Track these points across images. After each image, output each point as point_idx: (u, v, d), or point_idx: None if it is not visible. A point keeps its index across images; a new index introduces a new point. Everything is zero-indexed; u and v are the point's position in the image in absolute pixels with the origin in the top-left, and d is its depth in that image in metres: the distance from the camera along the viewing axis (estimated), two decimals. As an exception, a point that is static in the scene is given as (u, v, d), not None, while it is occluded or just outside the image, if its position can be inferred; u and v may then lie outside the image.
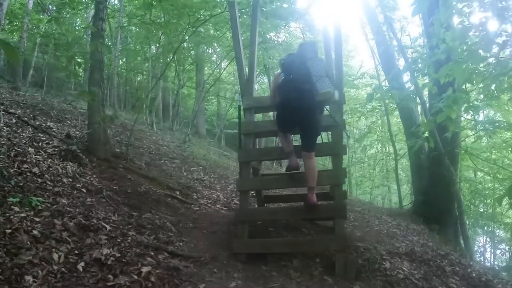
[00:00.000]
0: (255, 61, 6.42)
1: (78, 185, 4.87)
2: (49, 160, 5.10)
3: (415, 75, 6.93)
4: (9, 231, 3.27)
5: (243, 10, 9.46)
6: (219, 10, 10.10)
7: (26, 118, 6.66)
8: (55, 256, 3.30)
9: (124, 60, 17.33)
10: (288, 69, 4.80)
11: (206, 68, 19.12)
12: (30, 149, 5.14)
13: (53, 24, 6.60)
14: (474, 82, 4.74)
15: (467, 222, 11.45)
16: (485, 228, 15.81)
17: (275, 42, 14.95)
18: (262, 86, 19.44)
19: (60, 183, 4.66)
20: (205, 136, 18.02)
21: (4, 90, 8.94)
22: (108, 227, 4.18)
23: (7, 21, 8.13)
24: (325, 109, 4.95)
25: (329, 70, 4.86)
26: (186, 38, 11.78)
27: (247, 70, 6.03)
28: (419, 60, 6.20)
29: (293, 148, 4.97)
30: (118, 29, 13.57)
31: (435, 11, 4.81)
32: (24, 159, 4.74)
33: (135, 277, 3.45)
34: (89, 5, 12.10)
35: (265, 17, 10.23)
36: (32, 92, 9.68)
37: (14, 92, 9.37)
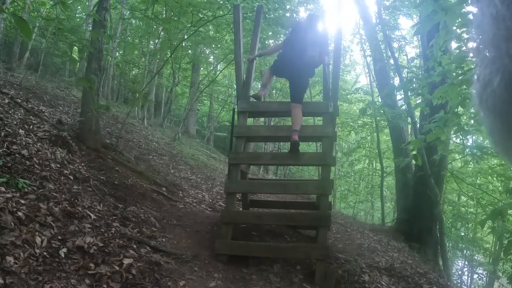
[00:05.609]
0: (254, 66, 6.49)
1: (65, 171, 4.84)
2: (39, 144, 5.06)
3: (409, 94, 7.05)
4: (-7, 210, 3.25)
5: (245, 15, 9.51)
6: (221, 13, 10.13)
7: (19, 100, 6.60)
8: (38, 239, 3.28)
9: (121, 52, 17.27)
10: (297, 32, 5.61)
11: (202, 68, 19.11)
12: (20, 131, 5.10)
13: (56, 8, 6.56)
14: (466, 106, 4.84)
15: (447, 244, 11.58)
16: (465, 251, 15.98)
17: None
18: (256, 92, 19.47)
19: (48, 168, 4.63)
20: (195, 136, 17.98)
21: (-1, 70, 8.87)
22: (93, 216, 4.17)
23: (9, 0, 8.08)
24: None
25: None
26: (186, 37, 11.78)
27: (244, 74, 6.08)
28: (414, 80, 6.30)
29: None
30: (120, 21, 13.53)
31: (434, 34, 4.91)
32: (14, 140, 4.70)
33: (117, 268, 3.45)
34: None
35: (267, 24, 10.30)
36: (26, 75, 9.58)
37: (9, 73, 9.27)
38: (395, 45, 12.93)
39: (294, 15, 11.58)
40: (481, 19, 0.39)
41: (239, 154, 5.42)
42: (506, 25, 0.36)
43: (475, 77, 0.41)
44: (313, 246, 4.96)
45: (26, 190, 3.88)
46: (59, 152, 5.19)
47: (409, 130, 11.41)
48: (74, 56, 10.31)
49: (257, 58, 6.78)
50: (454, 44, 5.89)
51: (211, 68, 19.21)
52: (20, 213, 3.42)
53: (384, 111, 9.00)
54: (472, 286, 16.01)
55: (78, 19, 13.75)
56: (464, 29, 4.74)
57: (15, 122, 5.38)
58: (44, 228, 3.49)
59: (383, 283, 4.72)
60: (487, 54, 0.38)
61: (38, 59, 12.03)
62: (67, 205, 4.04)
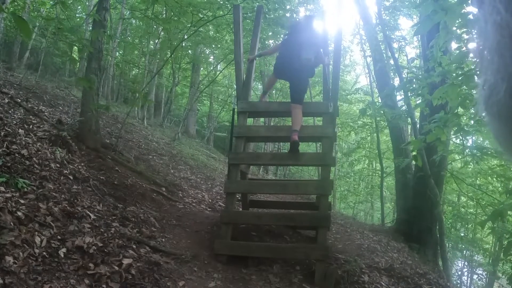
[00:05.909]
0: (254, 66, 6.48)
1: (65, 171, 4.83)
2: (39, 144, 5.06)
3: (409, 95, 7.04)
4: (-7, 209, 3.24)
5: (245, 15, 9.50)
6: (221, 13, 10.13)
7: (18, 100, 6.59)
8: (38, 239, 3.28)
9: (121, 52, 17.27)
10: (295, 33, 5.61)
11: (202, 68, 19.11)
12: (20, 130, 5.09)
13: (56, 8, 6.57)
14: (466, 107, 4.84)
15: (447, 245, 11.57)
16: (464, 252, 15.97)
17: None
18: (256, 92, 19.46)
19: (48, 168, 4.62)
20: (195, 136, 17.95)
21: (-1, 69, 8.86)
22: (92, 216, 4.17)
23: (9, 0, 8.08)
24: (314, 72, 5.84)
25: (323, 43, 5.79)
26: (186, 37, 11.78)
27: (244, 74, 6.08)
28: (414, 80, 6.30)
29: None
30: (120, 21, 13.53)
31: (434, 34, 4.91)
32: (14, 140, 4.70)
33: (116, 268, 3.45)
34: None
35: (267, 24, 10.30)
36: (26, 75, 9.58)
37: (9, 73, 9.27)
38: (395, 45, 12.93)
39: (294, 15, 11.58)
40: (484, 26, 0.39)
41: (239, 154, 5.42)
42: (510, 32, 0.36)
43: (480, 83, 0.41)
44: (313, 247, 4.96)
45: (25, 190, 3.87)
46: (59, 152, 5.18)
47: (409, 131, 11.40)
48: (74, 56, 10.31)
49: (257, 58, 6.78)
50: (454, 45, 5.89)
51: (211, 68, 19.19)
52: (19, 213, 3.42)
53: (384, 111, 9.00)
54: (472, 287, 16.01)
55: (78, 19, 13.74)
56: (464, 29, 4.74)
57: (14, 122, 5.37)
58: (43, 228, 3.49)
59: (383, 284, 4.71)
60: (491, 61, 0.38)
61: (38, 59, 12.03)
62: (66, 205, 4.03)
